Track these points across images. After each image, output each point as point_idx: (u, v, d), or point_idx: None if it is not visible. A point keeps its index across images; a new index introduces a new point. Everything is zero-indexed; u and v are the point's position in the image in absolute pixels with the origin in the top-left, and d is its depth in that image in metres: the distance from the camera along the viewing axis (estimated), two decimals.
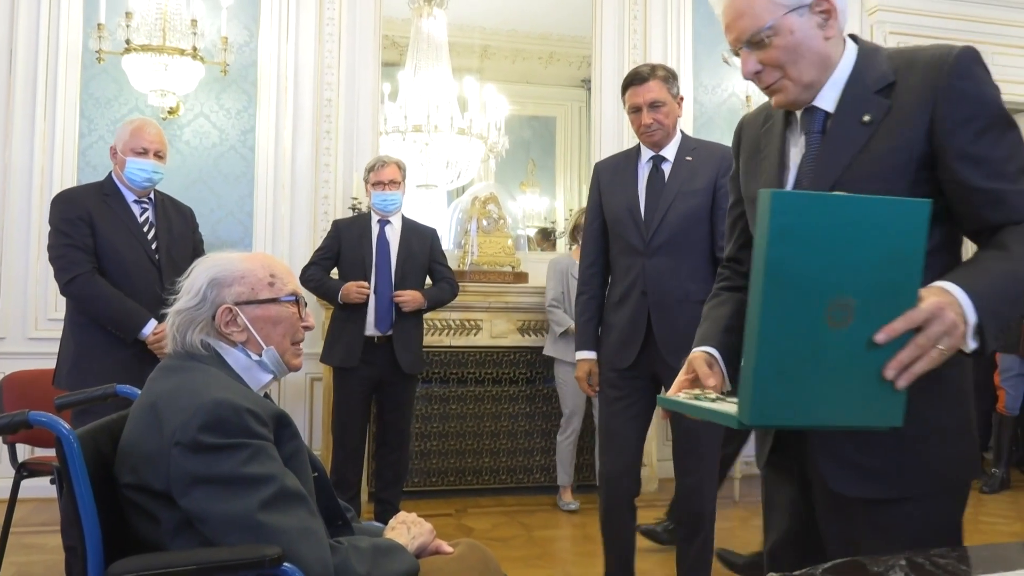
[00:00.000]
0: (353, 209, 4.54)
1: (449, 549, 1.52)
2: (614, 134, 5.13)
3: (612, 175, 2.61)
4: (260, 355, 1.44)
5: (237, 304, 1.43)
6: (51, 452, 3.21)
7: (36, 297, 4.21)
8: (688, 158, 2.51)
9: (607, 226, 2.59)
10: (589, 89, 8.95)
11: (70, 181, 4.26)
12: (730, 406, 1.14)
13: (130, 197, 2.82)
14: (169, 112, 4.29)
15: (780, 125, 1.36)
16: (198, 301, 1.42)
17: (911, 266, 1.02)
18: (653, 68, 2.50)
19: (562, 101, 8.33)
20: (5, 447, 3.28)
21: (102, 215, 2.75)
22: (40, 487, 3.72)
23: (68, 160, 4.28)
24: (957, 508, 1.29)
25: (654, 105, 2.47)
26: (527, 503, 4.30)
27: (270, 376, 1.47)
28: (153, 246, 2.82)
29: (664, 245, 2.45)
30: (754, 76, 1.27)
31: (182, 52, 4.00)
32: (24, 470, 3.01)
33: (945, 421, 1.26)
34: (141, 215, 2.84)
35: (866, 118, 1.25)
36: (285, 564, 1.15)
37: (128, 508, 1.28)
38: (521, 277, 4.68)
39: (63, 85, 4.25)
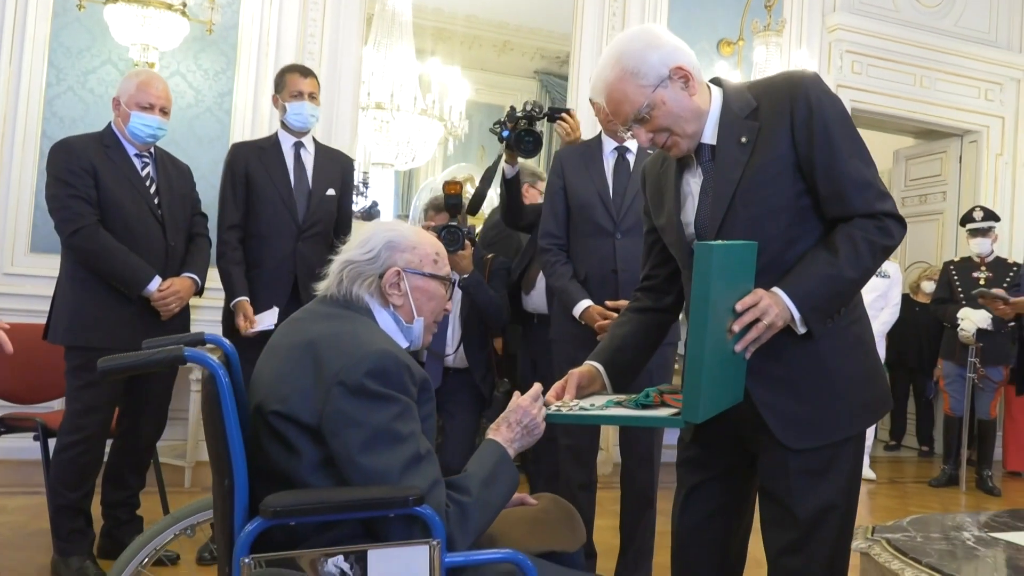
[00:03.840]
0: None
1: (533, 502, 1.59)
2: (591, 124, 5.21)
3: (577, 161, 2.73)
4: (410, 323, 1.50)
5: (405, 270, 1.48)
6: (34, 408, 3.11)
7: None
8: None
9: (570, 210, 2.70)
10: (541, 80, 9.05)
11: (33, 131, 4.08)
12: (661, 411, 1.45)
13: (131, 151, 2.74)
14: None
15: (675, 164, 1.62)
16: (371, 257, 1.48)
17: (749, 283, 1.44)
18: None
19: (513, 91, 8.41)
20: None
21: (105, 167, 2.66)
22: (6, 448, 3.59)
23: (33, 109, 4.08)
24: (863, 443, 1.63)
25: None
26: None
27: (406, 345, 1.51)
28: (156, 201, 2.74)
29: (633, 227, 2.57)
30: (650, 142, 1.54)
31: (169, 6, 3.88)
32: (2, 426, 2.90)
33: (856, 369, 1.56)
34: (142, 170, 2.76)
35: (743, 139, 1.51)
36: (426, 505, 1.20)
37: (268, 436, 1.30)
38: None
39: (32, 31, 4.04)
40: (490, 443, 1.44)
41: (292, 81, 3.01)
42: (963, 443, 4.98)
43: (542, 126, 2.89)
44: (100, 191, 2.63)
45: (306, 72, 3.07)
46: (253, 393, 1.36)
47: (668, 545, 1.70)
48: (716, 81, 1.60)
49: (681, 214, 1.60)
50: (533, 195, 3.44)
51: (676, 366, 2.82)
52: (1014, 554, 1.11)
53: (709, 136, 1.55)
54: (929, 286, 5.76)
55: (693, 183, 1.59)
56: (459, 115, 6.83)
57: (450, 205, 2.97)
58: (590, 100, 2.81)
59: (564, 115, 2.92)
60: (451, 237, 2.91)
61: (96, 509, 2.73)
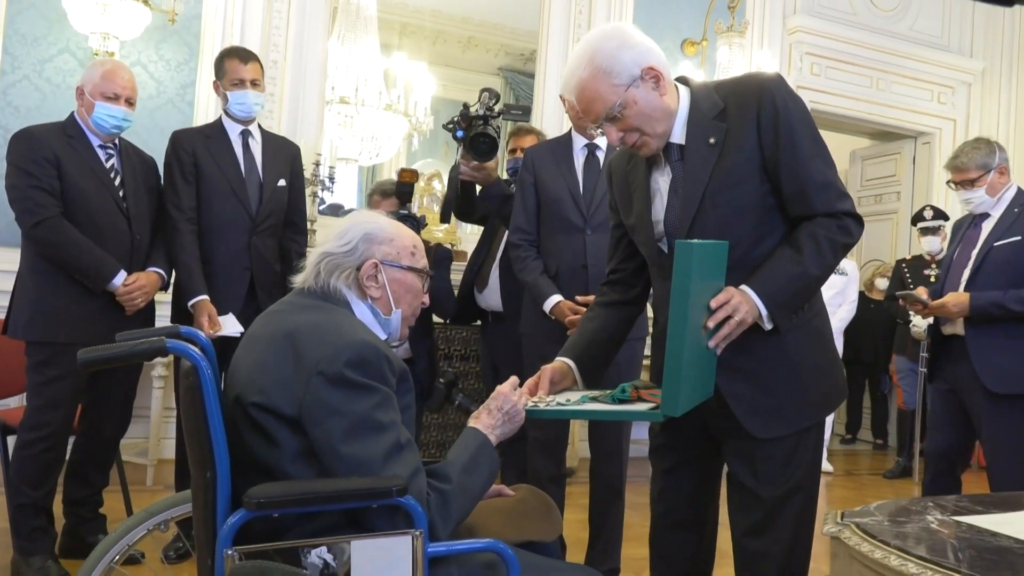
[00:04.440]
0: (311, 176, 4.46)
1: (511, 493, 1.61)
2: (556, 124, 5.25)
3: (547, 158, 2.75)
4: (388, 315, 1.50)
5: (383, 262, 1.48)
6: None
7: None
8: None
9: (540, 206, 2.72)
10: (506, 77, 9.06)
11: None
12: (638, 406, 1.50)
13: (95, 142, 2.68)
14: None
15: (644, 162, 1.66)
16: (349, 249, 1.48)
17: (720, 281, 1.49)
18: None
19: (476, 87, 8.39)
20: None
21: (68, 158, 2.61)
22: None
23: None
24: (823, 430, 1.71)
25: None
26: None
27: (384, 337, 1.52)
28: (121, 193, 2.69)
29: (603, 223, 2.59)
30: (620, 141, 1.57)
31: None
32: None
33: (818, 360, 1.64)
34: (107, 161, 2.70)
35: (712, 140, 1.55)
36: (409, 496, 1.21)
37: (247, 428, 1.30)
38: (462, 256, 4.74)
39: None
40: (471, 431, 1.46)
41: (232, 68, 2.87)
42: (916, 436, 5.12)
43: (498, 125, 2.84)
44: (63, 182, 2.58)
45: (247, 57, 2.91)
46: (231, 385, 1.36)
47: (636, 537, 1.76)
48: (682, 80, 1.64)
49: (651, 212, 1.64)
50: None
51: (644, 361, 2.86)
52: (975, 535, 1.17)
53: (678, 136, 1.59)
54: (883, 283, 5.92)
55: (662, 181, 1.63)
56: (424, 111, 6.81)
57: (401, 192, 2.89)
58: (561, 96, 2.82)
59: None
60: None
61: (58, 507, 2.68)
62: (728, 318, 1.47)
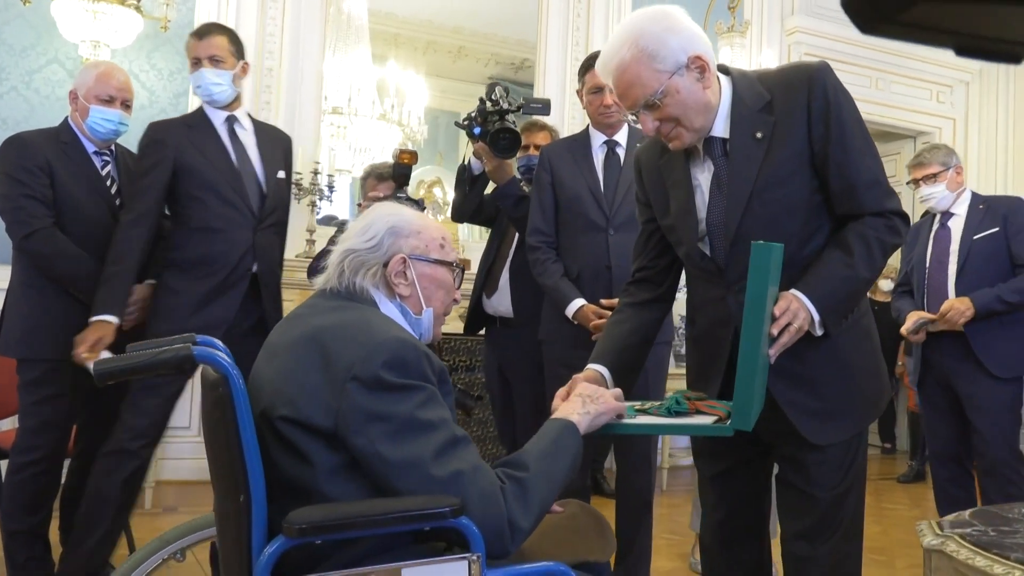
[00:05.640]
0: (296, 185, 4.33)
1: (559, 509, 1.49)
2: (569, 118, 5.16)
3: (565, 156, 2.63)
4: (419, 314, 1.38)
5: (411, 257, 1.36)
6: None
7: None
8: (639, 145, 2.59)
9: (559, 205, 2.60)
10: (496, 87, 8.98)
11: None
12: (704, 419, 1.39)
13: (90, 148, 2.55)
14: None
15: (681, 156, 1.54)
16: (374, 244, 1.36)
17: (776, 286, 1.38)
18: None
19: (468, 97, 8.31)
20: None
21: (61, 165, 2.47)
22: None
23: None
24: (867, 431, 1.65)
25: None
26: None
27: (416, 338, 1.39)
28: (117, 202, 2.56)
29: (626, 222, 2.50)
30: (654, 131, 1.48)
31: (122, 1, 3.68)
32: None
33: (868, 362, 1.58)
34: (102, 168, 2.57)
35: (758, 135, 1.46)
36: (463, 517, 1.09)
37: (276, 445, 1.17)
38: (464, 264, 4.62)
39: None
40: (550, 420, 1.35)
41: (189, 48, 2.52)
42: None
43: (513, 120, 2.75)
44: (56, 191, 2.45)
45: (204, 32, 2.52)
46: (254, 400, 1.23)
47: (657, 548, 1.68)
48: (723, 69, 1.54)
49: (694, 211, 1.55)
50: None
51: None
52: None
53: (720, 129, 1.50)
54: (887, 284, 5.84)
55: (702, 178, 1.55)
56: (418, 120, 6.72)
57: (399, 175, 2.70)
58: (577, 92, 2.72)
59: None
60: None
61: (54, 535, 2.53)
62: (787, 325, 1.39)
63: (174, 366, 1.03)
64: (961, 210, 3.04)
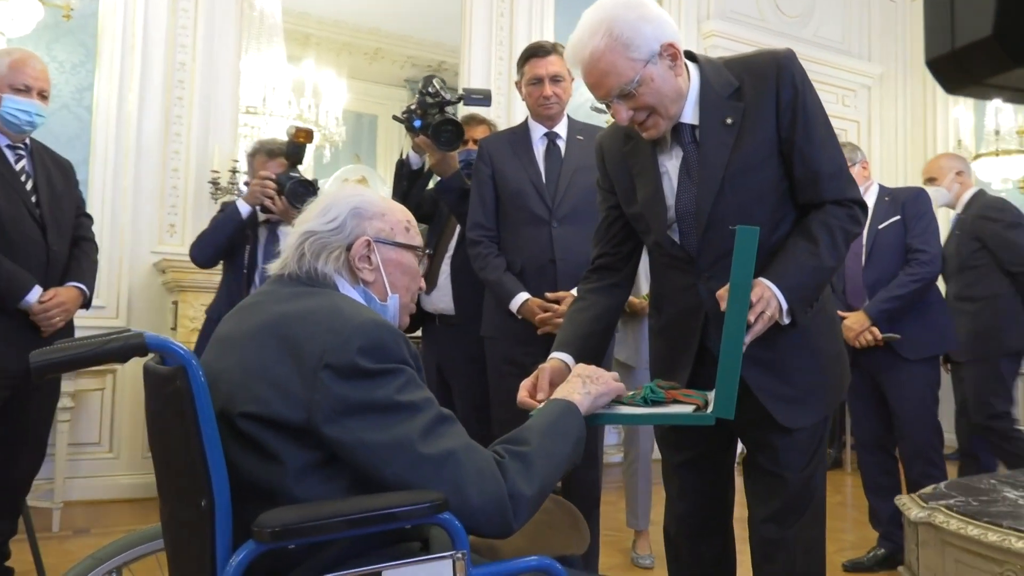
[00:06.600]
0: (213, 184, 4.13)
1: None
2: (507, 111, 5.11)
3: (505, 149, 2.59)
4: (384, 301, 1.29)
5: (376, 240, 1.28)
6: None
7: None
8: (579, 137, 2.59)
9: (500, 199, 2.56)
10: (412, 89, 8.87)
11: None
12: (682, 407, 1.36)
13: (3, 141, 2.35)
14: None
15: (647, 143, 1.53)
16: (336, 226, 1.26)
17: (752, 267, 1.32)
18: (554, 44, 2.56)
19: (384, 100, 8.19)
20: None
21: None
22: None
23: None
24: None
25: (555, 79, 2.52)
26: None
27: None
28: (33, 199, 2.37)
29: (569, 215, 2.48)
30: (629, 120, 1.46)
31: None
32: None
33: (833, 346, 1.60)
34: (17, 163, 2.37)
35: (728, 120, 1.47)
36: (446, 512, 1.01)
37: (237, 446, 1.06)
38: None
39: None
40: (551, 401, 1.30)
41: (22, 72, 2.38)
42: (845, 427, 5.22)
43: (454, 112, 2.68)
44: None
45: (34, 64, 2.39)
46: (222, 393, 1.12)
47: (604, 545, 1.65)
48: (689, 55, 1.53)
49: (663, 199, 1.54)
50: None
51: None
52: None
53: (689, 116, 1.49)
54: None
55: (670, 165, 1.53)
56: (336, 120, 6.56)
57: (293, 152, 2.57)
58: (517, 84, 2.67)
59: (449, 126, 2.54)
60: (304, 191, 2.54)
61: None
62: (761, 313, 1.39)
63: (122, 356, 0.92)
64: (869, 201, 3.13)
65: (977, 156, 5.87)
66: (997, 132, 5.74)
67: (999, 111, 5.75)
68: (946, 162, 3.64)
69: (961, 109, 6.22)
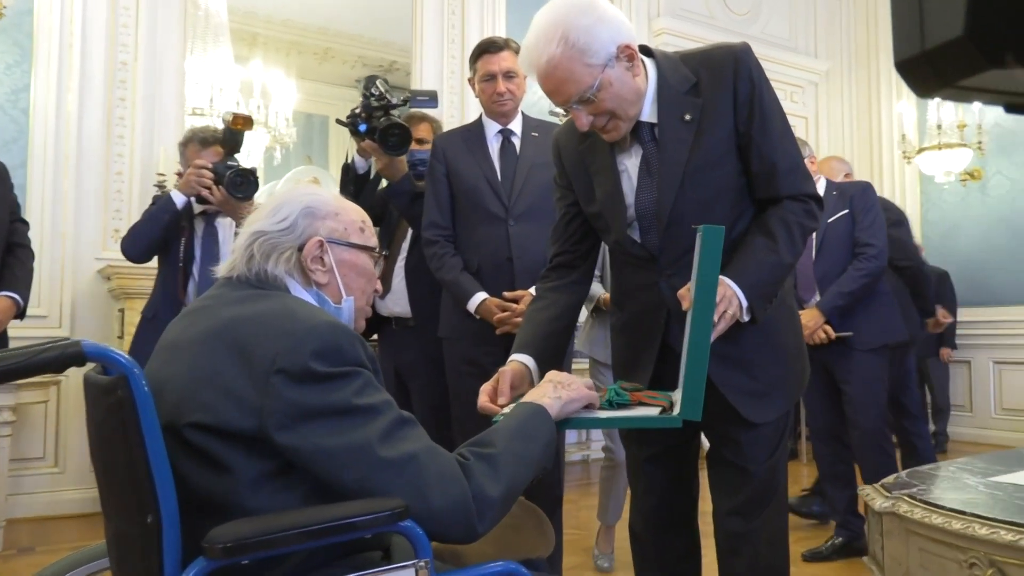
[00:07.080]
0: (159, 188, 4.01)
1: None
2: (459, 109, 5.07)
3: (460, 146, 2.55)
4: (339, 303, 1.24)
5: (329, 240, 1.23)
6: None
7: None
8: (534, 134, 2.57)
9: (455, 197, 2.52)
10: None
11: None
12: (648, 410, 1.34)
13: None
14: None
15: (604, 141, 1.52)
16: (287, 226, 1.21)
17: (718, 267, 1.30)
18: (507, 40, 2.53)
19: (335, 100, 8.07)
20: None
21: None
22: None
23: None
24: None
25: (508, 75, 2.49)
26: None
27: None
28: None
29: (526, 212, 2.46)
30: (589, 125, 1.43)
31: None
32: None
33: (794, 341, 1.61)
34: None
35: (687, 117, 1.45)
36: (408, 520, 0.98)
37: (185, 458, 1.01)
38: None
39: None
40: (520, 404, 1.26)
41: None
42: (800, 417, 5.29)
43: (399, 114, 2.62)
44: None
45: None
46: (167, 404, 1.07)
47: (566, 544, 1.64)
48: (645, 50, 1.50)
49: (622, 197, 1.52)
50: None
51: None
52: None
53: (648, 114, 1.47)
54: None
55: (629, 163, 1.52)
56: (286, 121, 6.44)
57: (230, 140, 2.46)
58: (469, 80, 2.63)
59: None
60: (243, 181, 2.46)
61: None
62: (723, 311, 1.38)
63: (59, 365, 0.86)
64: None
65: (921, 150, 6.03)
66: (939, 126, 5.90)
67: (940, 106, 5.90)
68: (836, 164, 3.75)
69: (904, 104, 6.37)
